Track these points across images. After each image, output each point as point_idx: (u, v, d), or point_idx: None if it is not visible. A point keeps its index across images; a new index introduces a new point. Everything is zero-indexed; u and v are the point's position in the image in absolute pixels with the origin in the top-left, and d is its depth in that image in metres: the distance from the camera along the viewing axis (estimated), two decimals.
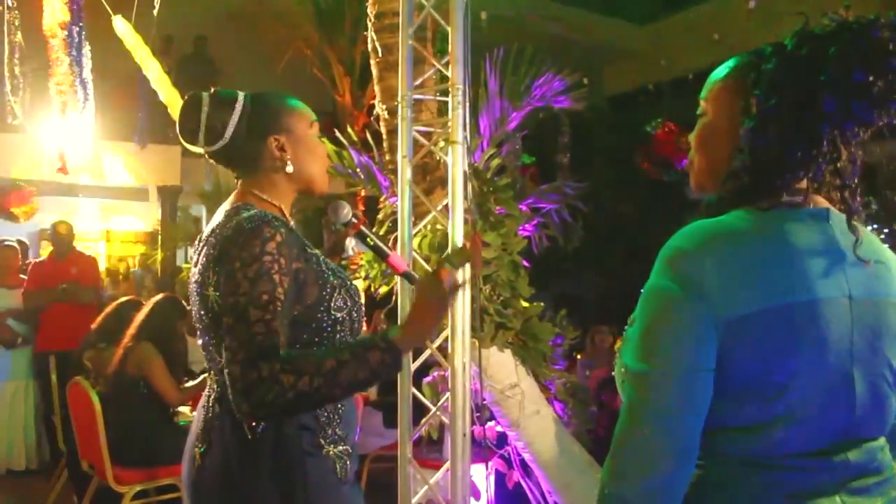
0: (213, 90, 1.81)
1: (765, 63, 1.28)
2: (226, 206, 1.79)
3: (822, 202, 1.29)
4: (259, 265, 1.56)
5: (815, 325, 1.19)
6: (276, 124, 1.79)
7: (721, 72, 1.37)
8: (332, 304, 1.69)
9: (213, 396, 1.73)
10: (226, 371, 1.53)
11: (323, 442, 1.68)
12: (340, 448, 1.72)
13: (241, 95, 1.80)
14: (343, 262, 2.33)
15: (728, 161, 1.30)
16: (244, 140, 1.77)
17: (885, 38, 1.19)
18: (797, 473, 1.21)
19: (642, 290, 1.26)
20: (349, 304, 1.73)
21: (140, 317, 4.34)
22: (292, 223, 1.81)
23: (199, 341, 1.78)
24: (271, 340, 1.51)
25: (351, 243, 1.73)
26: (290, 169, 1.79)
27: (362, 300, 1.84)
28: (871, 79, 1.18)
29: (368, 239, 1.99)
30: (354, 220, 2.00)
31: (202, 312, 1.70)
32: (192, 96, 1.79)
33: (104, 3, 4.64)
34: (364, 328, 1.88)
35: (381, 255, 2.03)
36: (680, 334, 1.20)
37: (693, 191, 1.41)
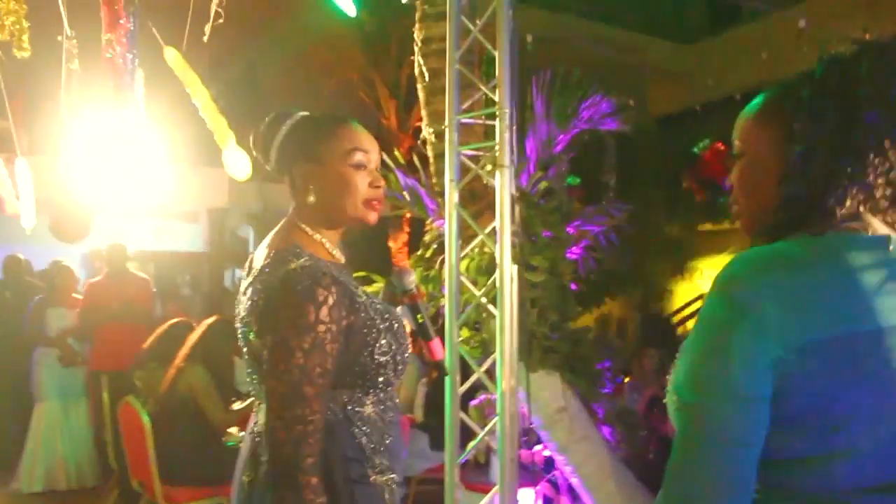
0: (279, 111, 1.77)
1: (799, 91, 1.27)
2: (273, 236, 1.74)
3: (880, 228, 1.27)
4: (314, 336, 1.54)
5: (880, 355, 1.16)
6: (305, 151, 1.70)
7: (753, 108, 1.35)
8: (377, 349, 1.66)
9: (257, 425, 1.73)
10: (269, 434, 1.56)
11: (370, 471, 1.67)
12: (388, 476, 1.70)
13: (293, 117, 1.74)
14: None
15: (775, 195, 1.28)
16: (282, 164, 1.74)
17: None
18: None
19: (697, 318, 1.24)
20: (394, 347, 1.69)
21: (192, 339, 4.40)
22: (336, 255, 1.76)
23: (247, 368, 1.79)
24: (315, 428, 1.55)
25: (401, 312, 1.66)
26: (312, 199, 1.70)
27: (406, 337, 1.79)
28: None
29: (419, 315, 1.92)
30: (415, 290, 1.94)
31: (245, 349, 1.71)
32: (271, 115, 1.77)
33: (156, 34, 4.75)
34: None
35: (424, 336, 1.94)
36: (736, 363, 1.16)
37: (745, 233, 1.38)
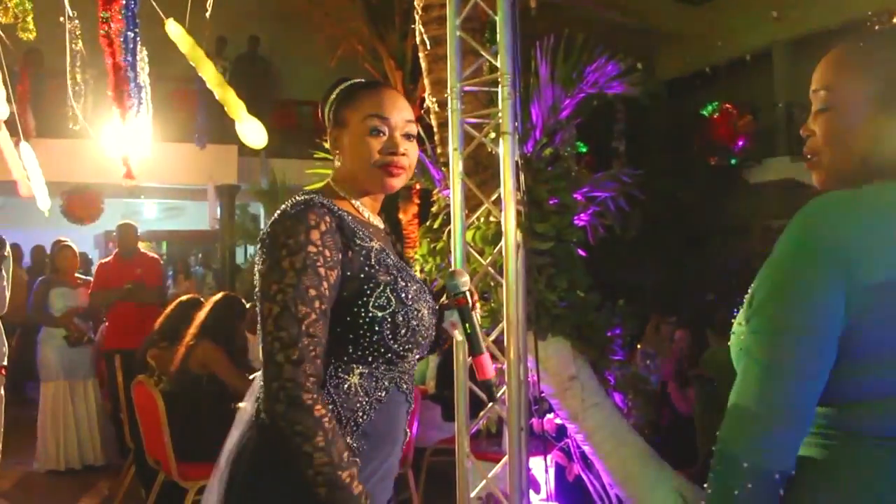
0: (342, 80, 1.81)
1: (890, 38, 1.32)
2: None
3: None
4: (305, 255, 1.52)
5: None
6: (336, 116, 1.75)
7: (839, 59, 1.36)
8: (372, 301, 1.58)
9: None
10: (266, 359, 1.51)
11: None
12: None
13: (343, 83, 1.79)
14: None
15: (864, 143, 1.31)
16: (329, 129, 1.78)
17: None
18: None
19: (774, 253, 1.27)
20: (395, 306, 1.59)
21: (201, 316, 4.42)
22: (367, 217, 1.74)
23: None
24: (315, 352, 1.50)
25: (451, 317, 1.53)
26: (337, 163, 1.76)
27: (424, 310, 1.67)
28: None
29: (467, 325, 1.78)
30: (464, 294, 1.80)
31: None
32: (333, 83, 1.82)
33: (156, 8, 4.70)
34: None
35: (472, 349, 1.78)
36: (812, 298, 1.21)
37: (820, 187, 1.40)
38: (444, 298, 1.87)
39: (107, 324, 6.16)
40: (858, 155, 1.32)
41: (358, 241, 1.62)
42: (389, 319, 1.59)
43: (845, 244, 1.20)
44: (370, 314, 1.58)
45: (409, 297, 1.63)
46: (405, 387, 1.71)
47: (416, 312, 1.63)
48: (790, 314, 1.22)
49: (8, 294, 4.71)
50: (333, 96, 1.77)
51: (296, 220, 1.55)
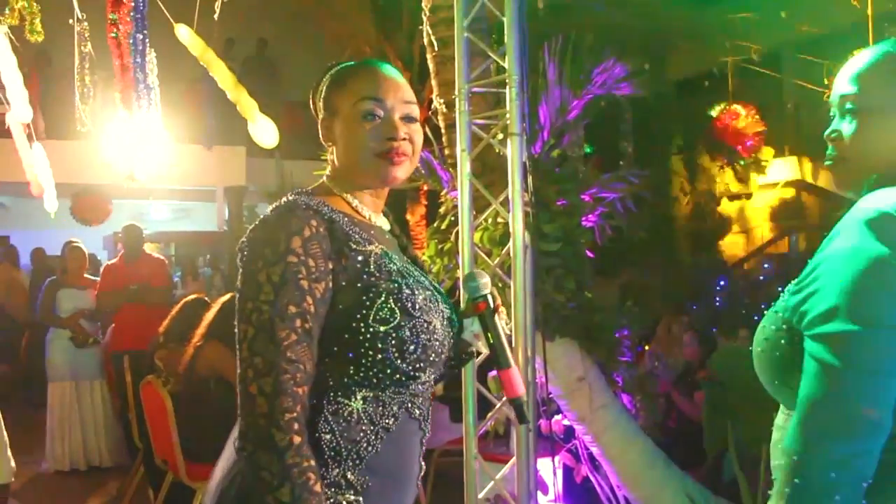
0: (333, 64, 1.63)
1: None
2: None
3: None
4: (283, 267, 1.32)
5: None
6: (326, 103, 1.55)
7: (877, 63, 1.35)
8: (373, 315, 1.37)
9: None
10: (240, 388, 1.33)
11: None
12: (345, 499, 1.38)
13: (336, 67, 1.59)
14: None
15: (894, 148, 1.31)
16: (319, 118, 1.58)
17: None
18: None
19: (834, 253, 1.25)
20: (400, 318, 1.38)
21: (209, 317, 4.42)
22: (367, 215, 1.55)
23: None
24: (296, 380, 1.31)
25: (472, 326, 1.41)
26: (332, 153, 1.55)
27: (436, 322, 1.46)
28: None
29: (490, 334, 1.55)
30: (483, 298, 1.57)
31: None
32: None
33: (166, 13, 4.72)
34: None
35: (498, 361, 1.55)
36: (889, 294, 1.19)
37: (839, 189, 1.40)
38: (462, 306, 1.64)
39: (114, 325, 6.18)
40: (886, 159, 1.32)
41: (353, 246, 1.41)
42: (394, 334, 1.38)
43: None
44: (371, 329, 1.37)
45: (417, 306, 1.42)
46: (418, 412, 1.49)
47: (426, 325, 1.42)
48: (886, 312, 1.19)
49: None
50: (325, 83, 1.58)
51: (274, 227, 1.36)
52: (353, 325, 1.37)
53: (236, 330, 1.36)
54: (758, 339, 1.33)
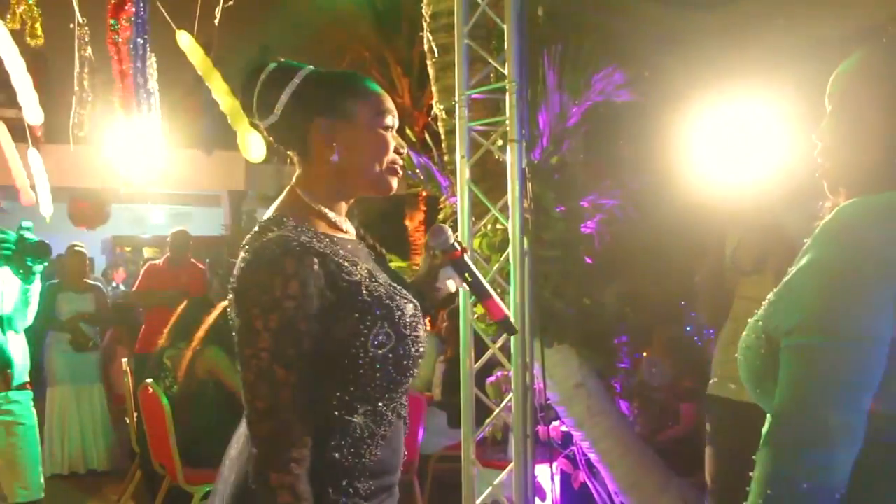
0: (280, 60, 1.58)
1: (889, 51, 1.32)
2: (272, 209, 1.58)
3: None
4: (281, 314, 1.34)
5: None
6: (330, 105, 1.53)
7: (852, 66, 1.35)
8: (371, 341, 1.42)
9: None
10: (249, 425, 1.39)
11: (336, 494, 1.43)
12: (373, 501, 1.49)
13: (304, 70, 1.56)
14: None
15: (877, 150, 1.30)
16: (293, 119, 1.54)
17: None
18: None
19: (809, 264, 1.24)
20: (395, 339, 1.44)
21: (209, 321, 4.42)
22: (344, 227, 1.58)
23: None
24: (291, 427, 1.36)
25: (447, 274, 1.49)
26: (335, 158, 1.52)
27: (420, 327, 1.52)
28: None
29: (467, 274, 1.73)
30: (455, 247, 1.74)
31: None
32: (254, 67, 1.57)
33: (168, 19, 4.73)
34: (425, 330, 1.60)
35: (479, 296, 1.74)
36: (862, 306, 1.19)
37: (829, 193, 1.39)
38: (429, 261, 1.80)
39: (144, 327, 6.20)
40: (868, 163, 1.31)
41: (345, 277, 1.43)
42: (391, 355, 1.44)
43: (890, 249, 1.19)
44: (371, 353, 1.42)
45: (407, 322, 1.47)
46: (404, 411, 1.58)
47: (415, 337, 1.49)
48: (852, 324, 1.19)
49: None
50: (301, 83, 1.54)
51: (270, 272, 1.36)
52: (353, 351, 1.41)
53: (240, 375, 1.40)
54: (740, 347, 1.33)
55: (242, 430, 1.52)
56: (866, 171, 1.32)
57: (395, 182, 1.59)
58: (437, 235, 1.74)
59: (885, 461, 1.21)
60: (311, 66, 1.60)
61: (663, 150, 3.49)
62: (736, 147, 3.08)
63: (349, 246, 1.55)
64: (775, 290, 1.30)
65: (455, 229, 3.50)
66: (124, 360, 5.53)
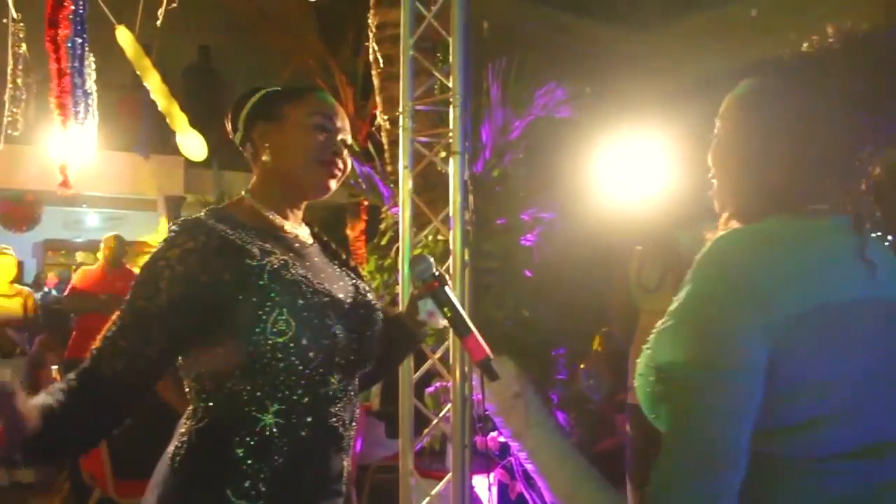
0: (268, 90, 1.66)
1: (769, 80, 1.32)
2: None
3: (843, 208, 1.30)
4: (149, 269, 1.44)
5: (858, 325, 1.22)
6: (266, 111, 1.59)
7: (735, 92, 1.38)
8: (270, 327, 1.40)
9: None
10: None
11: (230, 494, 1.42)
12: None
13: (268, 89, 1.64)
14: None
15: (750, 175, 1.32)
16: (245, 131, 1.62)
17: (881, 48, 1.22)
18: (841, 477, 1.21)
19: (685, 295, 1.25)
20: (296, 326, 1.42)
21: None
22: (286, 227, 1.59)
23: None
24: (114, 355, 1.48)
25: (426, 306, 1.46)
26: (266, 159, 1.57)
27: (337, 328, 1.49)
28: (870, 87, 1.21)
29: (447, 308, 1.64)
30: (434, 277, 1.65)
31: None
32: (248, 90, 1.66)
33: (108, 14, 4.64)
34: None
35: (459, 332, 1.65)
36: (735, 336, 1.19)
37: (718, 210, 1.40)
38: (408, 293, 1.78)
39: (75, 332, 6.04)
40: (748, 187, 1.33)
41: (248, 262, 1.44)
42: (293, 344, 1.41)
43: (762, 279, 1.19)
44: (270, 341, 1.40)
45: (314, 314, 1.46)
46: (334, 420, 1.51)
47: (325, 331, 1.46)
48: (727, 355, 1.19)
49: None
50: (256, 100, 1.62)
51: (164, 242, 1.47)
52: (254, 338, 1.40)
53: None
54: (637, 373, 1.32)
55: (174, 443, 1.54)
56: (746, 195, 1.34)
57: (332, 183, 1.59)
58: (416, 264, 1.68)
59: (775, 474, 1.23)
60: (279, 87, 1.66)
61: (589, 168, 3.57)
62: (642, 168, 3.19)
63: (283, 242, 1.56)
64: (663, 319, 1.30)
65: (396, 239, 3.50)
66: (54, 367, 5.38)
